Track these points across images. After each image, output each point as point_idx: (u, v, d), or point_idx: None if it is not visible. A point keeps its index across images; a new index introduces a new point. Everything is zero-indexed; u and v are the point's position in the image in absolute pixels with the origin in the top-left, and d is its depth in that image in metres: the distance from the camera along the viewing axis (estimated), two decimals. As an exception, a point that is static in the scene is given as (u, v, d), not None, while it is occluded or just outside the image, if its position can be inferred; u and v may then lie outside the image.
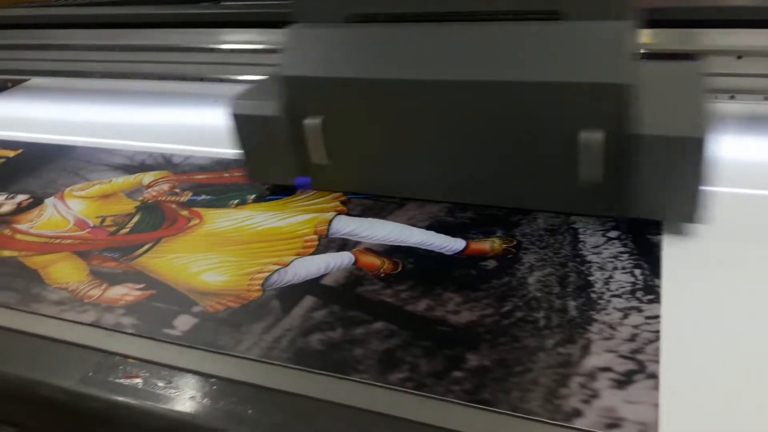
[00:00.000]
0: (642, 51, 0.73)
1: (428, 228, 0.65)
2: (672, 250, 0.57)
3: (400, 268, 0.59)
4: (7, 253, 0.68)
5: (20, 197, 0.80)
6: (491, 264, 0.58)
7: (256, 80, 0.74)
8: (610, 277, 0.55)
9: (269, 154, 0.70)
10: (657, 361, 0.46)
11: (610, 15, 0.55)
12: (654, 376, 0.45)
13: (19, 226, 0.73)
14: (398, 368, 0.48)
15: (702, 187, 0.56)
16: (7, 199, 0.80)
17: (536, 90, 0.56)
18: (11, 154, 0.93)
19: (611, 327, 0.50)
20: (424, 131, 0.63)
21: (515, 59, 0.57)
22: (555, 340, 0.49)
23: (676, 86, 0.59)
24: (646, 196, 0.58)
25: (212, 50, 0.95)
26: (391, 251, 0.62)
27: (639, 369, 0.46)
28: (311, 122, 0.65)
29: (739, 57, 0.81)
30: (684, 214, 0.58)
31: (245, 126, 0.69)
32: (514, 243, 0.60)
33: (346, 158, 0.68)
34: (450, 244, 0.61)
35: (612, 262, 0.57)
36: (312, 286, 0.59)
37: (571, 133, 0.57)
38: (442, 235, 0.63)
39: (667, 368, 0.46)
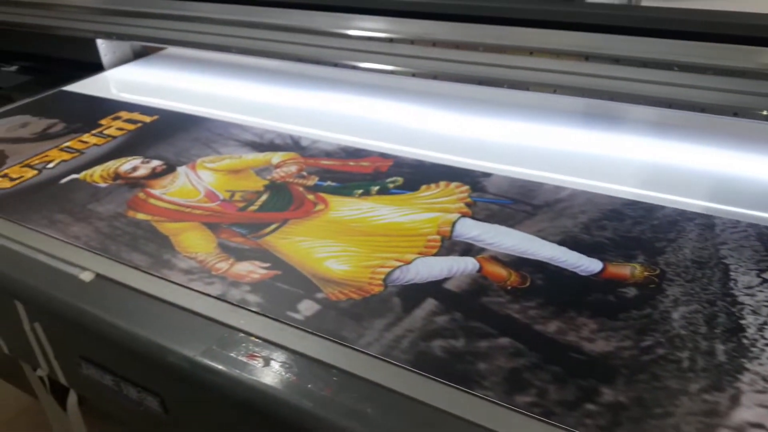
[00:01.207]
0: None
1: (560, 243, 0.61)
2: (839, 304, 0.52)
3: (528, 283, 0.57)
4: (141, 216, 0.71)
5: (155, 162, 0.83)
6: (631, 292, 0.54)
7: None
8: (765, 323, 0.50)
9: None
10: (818, 427, 0.42)
11: None
12: (814, 444, 0.41)
13: (152, 191, 0.76)
14: (525, 391, 0.46)
15: None
16: (142, 163, 0.83)
17: None
18: (147, 119, 0.97)
19: (765, 379, 0.45)
20: None
21: None
22: (700, 385, 0.45)
23: None
24: None
25: (348, 36, 0.95)
26: (519, 263, 0.59)
27: (797, 433, 0.41)
28: None
29: None
30: None
31: None
32: (657, 272, 0.56)
33: None
34: (585, 264, 0.58)
35: (768, 307, 0.52)
36: (434, 288, 0.57)
37: None
38: (576, 253, 0.60)
39: (830, 437, 0.41)
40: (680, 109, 0.76)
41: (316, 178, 0.76)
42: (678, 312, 0.52)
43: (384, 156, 0.81)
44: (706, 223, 0.63)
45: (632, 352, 0.48)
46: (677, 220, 0.64)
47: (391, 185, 0.74)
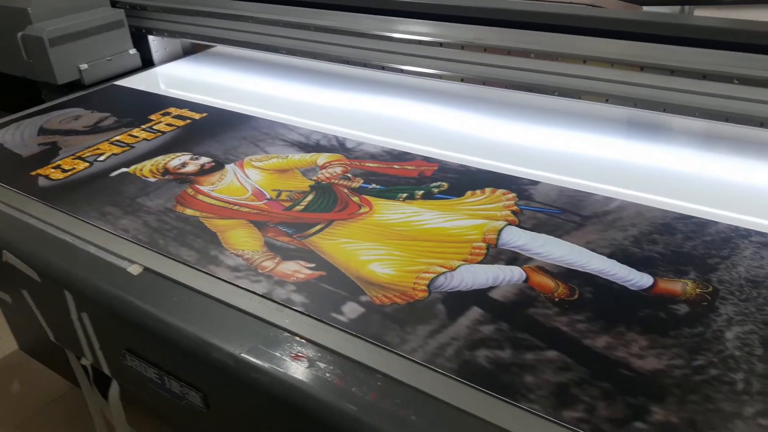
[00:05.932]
0: None
1: (610, 256, 0.60)
2: None
3: (576, 295, 0.56)
4: (189, 211, 0.72)
5: (203, 159, 0.84)
6: (682, 309, 0.53)
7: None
8: (825, 348, 0.48)
9: None
10: None
11: None
12: None
13: (201, 187, 0.77)
14: (573, 406, 0.45)
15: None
16: (191, 159, 0.84)
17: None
18: (197, 116, 0.98)
19: (824, 407, 0.44)
20: None
21: None
22: (755, 409, 0.44)
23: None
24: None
25: (397, 40, 0.95)
26: (567, 275, 0.58)
27: None
28: None
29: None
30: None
31: None
32: (710, 289, 0.55)
33: None
34: (635, 279, 0.57)
35: (828, 332, 0.50)
36: (479, 297, 0.57)
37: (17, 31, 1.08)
38: (626, 267, 0.58)
39: None
40: (737, 123, 0.74)
41: (361, 180, 0.76)
42: (732, 332, 0.50)
43: (428, 160, 0.81)
44: (762, 240, 0.61)
45: (684, 372, 0.47)
46: (731, 237, 0.62)
47: (435, 190, 0.74)
